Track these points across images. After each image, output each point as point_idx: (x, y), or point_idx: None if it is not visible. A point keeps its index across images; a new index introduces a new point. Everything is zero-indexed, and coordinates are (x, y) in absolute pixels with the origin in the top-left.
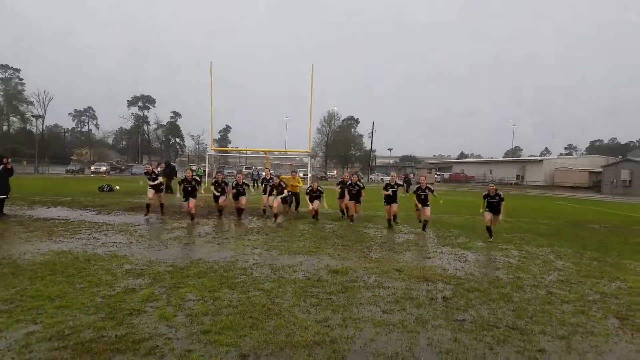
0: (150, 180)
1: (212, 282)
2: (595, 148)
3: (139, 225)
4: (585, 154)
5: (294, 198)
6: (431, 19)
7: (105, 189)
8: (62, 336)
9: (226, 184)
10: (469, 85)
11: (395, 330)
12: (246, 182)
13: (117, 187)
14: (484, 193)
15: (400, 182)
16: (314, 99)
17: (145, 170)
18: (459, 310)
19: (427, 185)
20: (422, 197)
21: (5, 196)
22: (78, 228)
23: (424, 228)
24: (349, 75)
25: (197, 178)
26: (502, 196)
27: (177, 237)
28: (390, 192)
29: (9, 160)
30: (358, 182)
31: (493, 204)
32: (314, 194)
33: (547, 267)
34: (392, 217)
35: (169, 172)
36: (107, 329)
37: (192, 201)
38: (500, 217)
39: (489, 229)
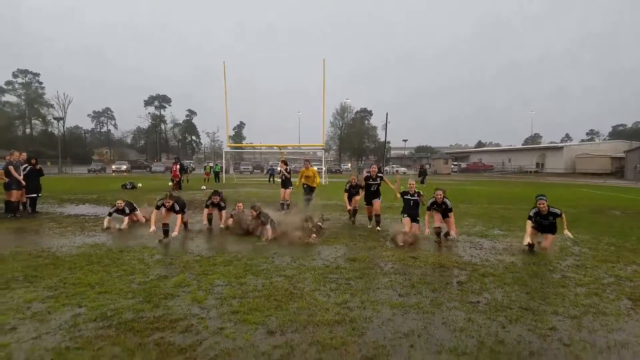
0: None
1: (237, 270)
2: (617, 133)
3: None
4: (608, 139)
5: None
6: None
7: (128, 187)
8: (105, 317)
9: (223, 207)
10: (487, 73)
11: (411, 311)
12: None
13: (140, 185)
14: (532, 212)
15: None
16: (326, 93)
17: (116, 208)
18: (473, 293)
19: (379, 174)
20: (373, 188)
21: (36, 195)
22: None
23: (377, 224)
24: (362, 67)
25: (222, 204)
26: (559, 213)
27: (200, 230)
28: (356, 191)
29: (37, 161)
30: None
31: (544, 224)
32: (354, 190)
33: (563, 253)
34: (373, 216)
35: (182, 169)
36: (145, 310)
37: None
38: (566, 232)
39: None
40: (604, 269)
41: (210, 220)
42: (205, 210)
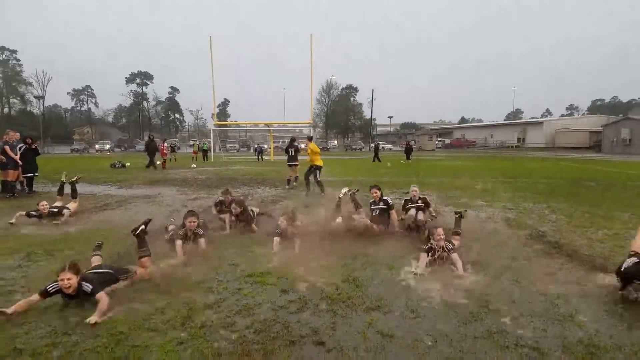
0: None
1: (245, 241)
2: (596, 107)
3: (162, 197)
4: (587, 114)
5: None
6: None
7: (117, 166)
8: (133, 283)
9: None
10: (471, 46)
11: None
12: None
13: (128, 164)
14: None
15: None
16: (313, 69)
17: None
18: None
19: (383, 199)
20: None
21: (33, 174)
22: (107, 201)
23: None
24: (347, 43)
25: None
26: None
27: (200, 205)
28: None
29: (33, 140)
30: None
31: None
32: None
33: (541, 220)
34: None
35: (153, 148)
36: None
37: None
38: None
39: None
40: (577, 233)
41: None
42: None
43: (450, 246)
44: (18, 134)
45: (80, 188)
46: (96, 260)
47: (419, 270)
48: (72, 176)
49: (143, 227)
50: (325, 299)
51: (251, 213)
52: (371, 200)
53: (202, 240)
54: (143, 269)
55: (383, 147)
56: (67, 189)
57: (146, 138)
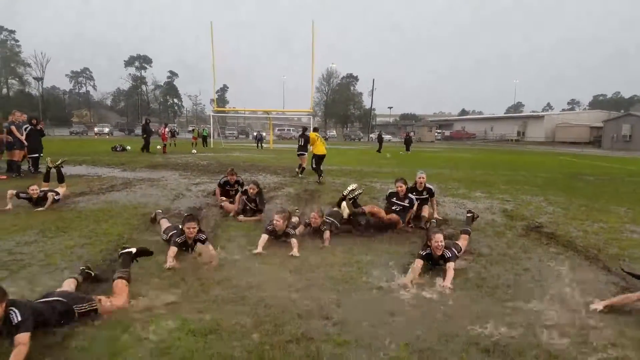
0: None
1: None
2: (598, 103)
3: (166, 180)
4: (588, 109)
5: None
6: None
7: (118, 149)
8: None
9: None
10: (473, 39)
11: (406, 256)
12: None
13: (129, 147)
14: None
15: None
16: (314, 56)
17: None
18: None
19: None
20: (397, 208)
21: (38, 155)
22: (113, 182)
23: None
24: (349, 31)
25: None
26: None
27: (203, 190)
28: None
29: (38, 121)
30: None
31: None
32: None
33: (538, 212)
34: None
35: (149, 132)
36: None
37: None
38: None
39: None
40: (574, 225)
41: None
42: (218, 190)
43: (449, 254)
44: (25, 116)
45: (84, 169)
46: (67, 285)
47: (407, 280)
48: (57, 159)
49: (133, 251)
50: (329, 279)
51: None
52: (392, 192)
53: (206, 247)
54: (111, 298)
55: (389, 139)
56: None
57: (143, 122)
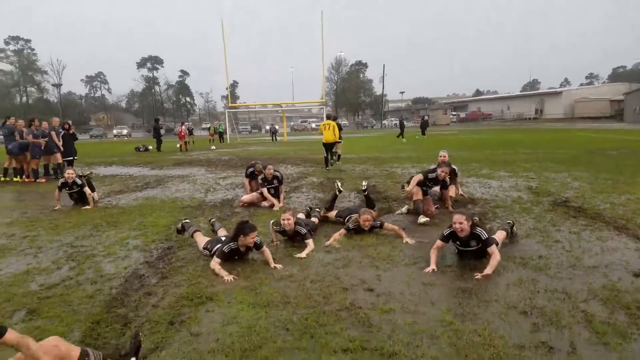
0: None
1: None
2: (618, 75)
3: (194, 176)
4: (608, 82)
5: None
6: None
7: (141, 149)
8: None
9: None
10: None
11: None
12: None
13: (150, 147)
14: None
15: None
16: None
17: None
18: (487, 220)
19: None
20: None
21: (73, 158)
22: (146, 180)
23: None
24: (357, 18)
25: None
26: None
27: (231, 183)
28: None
29: (70, 126)
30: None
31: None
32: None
33: (564, 187)
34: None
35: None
36: None
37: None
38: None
39: None
40: (600, 198)
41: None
42: (246, 181)
43: (485, 235)
44: (58, 120)
45: (116, 170)
46: (222, 232)
47: (432, 264)
48: (84, 172)
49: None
50: (366, 257)
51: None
52: (431, 177)
53: (266, 252)
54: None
55: (395, 124)
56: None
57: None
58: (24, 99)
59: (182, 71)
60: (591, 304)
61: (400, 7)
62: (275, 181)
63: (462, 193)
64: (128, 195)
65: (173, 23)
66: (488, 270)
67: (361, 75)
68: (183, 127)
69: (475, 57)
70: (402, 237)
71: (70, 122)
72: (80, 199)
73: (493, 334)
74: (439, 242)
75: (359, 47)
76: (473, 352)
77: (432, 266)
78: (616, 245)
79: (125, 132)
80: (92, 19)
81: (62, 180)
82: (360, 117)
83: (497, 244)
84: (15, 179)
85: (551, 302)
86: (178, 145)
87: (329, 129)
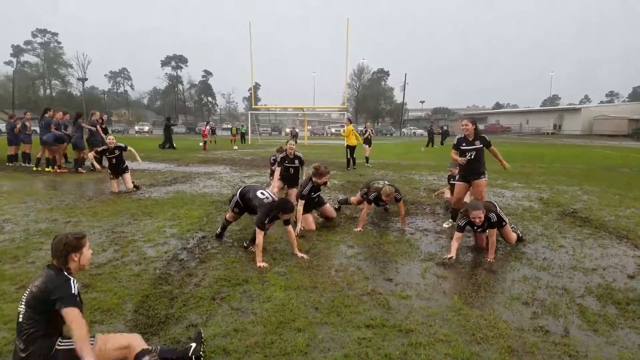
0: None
1: None
2: (638, 95)
3: (220, 173)
4: (627, 101)
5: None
6: None
7: (166, 146)
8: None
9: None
10: (507, 30)
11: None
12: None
13: (175, 145)
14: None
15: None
16: (348, 53)
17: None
18: None
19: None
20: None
21: None
22: (174, 176)
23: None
24: (380, 27)
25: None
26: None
27: (256, 181)
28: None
29: (103, 120)
30: None
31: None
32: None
33: (573, 199)
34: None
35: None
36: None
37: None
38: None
39: None
40: (607, 211)
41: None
42: (277, 171)
43: (494, 217)
44: (99, 113)
45: (145, 165)
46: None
47: (452, 253)
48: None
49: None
50: (383, 253)
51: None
52: (459, 138)
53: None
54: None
55: (415, 132)
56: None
57: (167, 120)
58: (48, 91)
59: (205, 71)
60: (586, 299)
61: (426, 18)
62: (296, 161)
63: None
64: (159, 189)
65: (199, 26)
66: (490, 255)
67: (382, 83)
68: (207, 126)
69: (497, 70)
70: (403, 222)
71: (104, 116)
72: (117, 166)
73: (497, 318)
74: (458, 234)
75: (382, 54)
76: (479, 332)
77: (452, 254)
78: (615, 252)
79: (146, 128)
80: (126, 24)
81: (103, 147)
82: (379, 124)
83: (504, 224)
84: (47, 169)
85: (551, 296)
86: (200, 144)
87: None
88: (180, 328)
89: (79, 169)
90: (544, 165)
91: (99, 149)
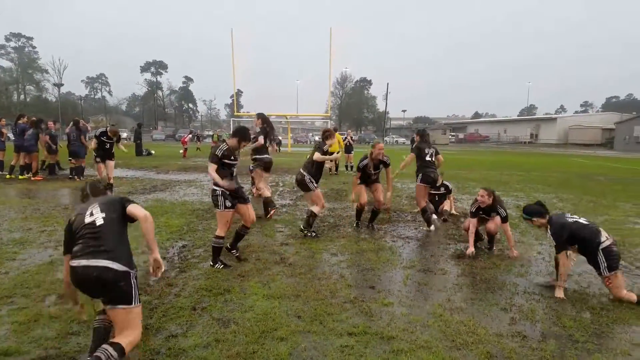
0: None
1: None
2: (611, 105)
3: (201, 181)
4: (601, 111)
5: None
6: None
7: (144, 153)
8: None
9: None
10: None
11: (434, 242)
12: None
13: (153, 152)
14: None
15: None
16: (332, 62)
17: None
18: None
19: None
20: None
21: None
22: (153, 184)
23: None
24: (363, 36)
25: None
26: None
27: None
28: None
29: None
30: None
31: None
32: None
33: (549, 207)
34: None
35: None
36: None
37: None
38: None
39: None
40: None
41: None
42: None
43: (500, 208)
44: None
45: (122, 172)
46: None
47: (471, 245)
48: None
49: None
50: (368, 260)
51: None
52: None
53: None
54: None
55: (397, 140)
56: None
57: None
58: (22, 96)
59: (186, 77)
60: (562, 304)
61: (409, 28)
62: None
63: (454, 211)
64: (137, 197)
65: (180, 30)
66: (513, 252)
67: (365, 92)
68: (189, 135)
69: (476, 80)
70: (389, 189)
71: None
72: (109, 151)
73: (477, 324)
74: (472, 220)
75: (364, 62)
76: (459, 338)
77: (471, 248)
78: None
79: (125, 135)
80: (102, 20)
81: (102, 129)
82: (362, 132)
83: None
84: (21, 177)
85: (528, 302)
86: (180, 152)
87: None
88: (159, 339)
89: (78, 177)
90: (522, 173)
91: (98, 132)
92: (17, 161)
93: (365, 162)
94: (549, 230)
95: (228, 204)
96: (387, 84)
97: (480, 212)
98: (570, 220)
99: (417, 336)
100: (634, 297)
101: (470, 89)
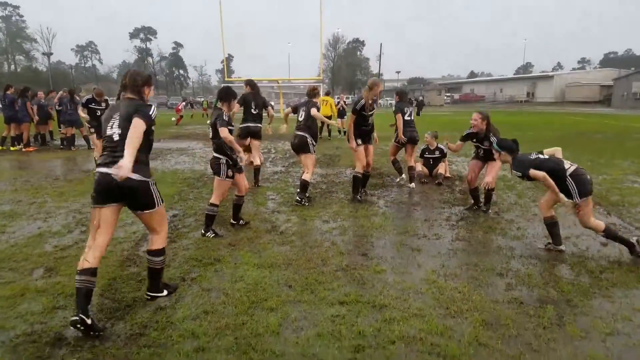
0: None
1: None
2: (609, 61)
3: (193, 149)
4: (599, 68)
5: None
6: None
7: None
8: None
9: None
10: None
11: (428, 206)
12: None
13: None
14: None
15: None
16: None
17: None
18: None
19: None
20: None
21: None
22: None
23: None
24: None
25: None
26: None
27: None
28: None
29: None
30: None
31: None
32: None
33: None
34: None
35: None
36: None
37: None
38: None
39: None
40: None
41: None
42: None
43: (495, 139)
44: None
45: None
46: None
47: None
48: None
49: None
50: (360, 227)
51: None
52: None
53: None
54: None
55: (391, 103)
56: None
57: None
58: (12, 67)
59: (175, 43)
60: (560, 268)
61: None
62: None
63: (448, 174)
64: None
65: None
66: (488, 178)
67: (358, 54)
68: (183, 102)
69: (472, 38)
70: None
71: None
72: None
73: (472, 291)
74: (459, 143)
75: (357, 24)
76: (453, 305)
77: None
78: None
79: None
80: None
81: (87, 97)
82: (356, 95)
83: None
84: (12, 148)
85: (525, 266)
86: (173, 119)
87: (326, 104)
88: (147, 312)
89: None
90: (519, 133)
91: (84, 100)
92: (9, 133)
93: (362, 102)
94: (512, 168)
95: (230, 173)
96: (381, 44)
97: (474, 140)
98: (532, 157)
99: (409, 304)
100: (601, 226)
101: (466, 46)
